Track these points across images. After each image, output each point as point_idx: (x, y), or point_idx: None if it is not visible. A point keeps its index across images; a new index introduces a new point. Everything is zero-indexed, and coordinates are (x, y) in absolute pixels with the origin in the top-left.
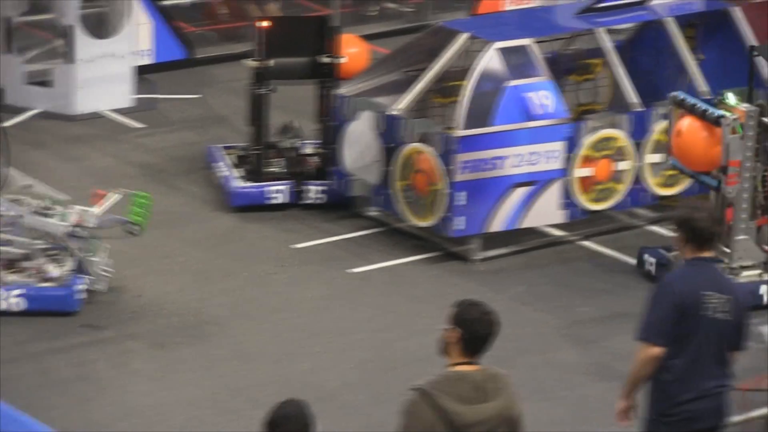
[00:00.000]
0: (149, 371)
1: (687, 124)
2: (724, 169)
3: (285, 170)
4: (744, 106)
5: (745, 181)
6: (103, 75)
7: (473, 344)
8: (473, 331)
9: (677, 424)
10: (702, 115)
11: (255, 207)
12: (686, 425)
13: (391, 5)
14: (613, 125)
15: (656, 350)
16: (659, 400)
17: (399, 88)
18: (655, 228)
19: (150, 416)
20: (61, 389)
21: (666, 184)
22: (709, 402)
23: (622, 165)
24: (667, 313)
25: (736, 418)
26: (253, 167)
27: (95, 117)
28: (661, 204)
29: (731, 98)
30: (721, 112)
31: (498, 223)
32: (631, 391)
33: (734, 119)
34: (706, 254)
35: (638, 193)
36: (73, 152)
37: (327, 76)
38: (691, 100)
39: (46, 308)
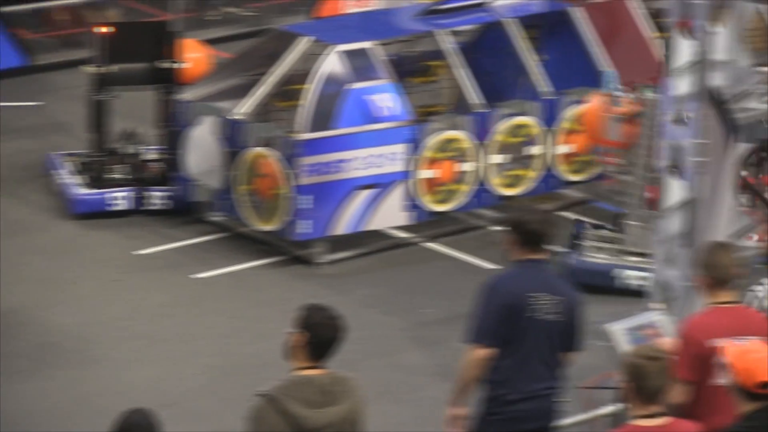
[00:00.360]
0: None
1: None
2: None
3: (128, 176)
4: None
5: (638, 168)
6: None
7: (319, 348)
8: (319, 335)
9: (504, 424)
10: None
11: (97, 214)
12: (512, 425)
13: (232, 9)
14: (455, 127)
15: (484, 352)
16: (487, 399)
17: (241, 92)
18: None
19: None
20: None
21: (510, 185)
22: (536, 403)
23: (466, 166)
24: (495, 314)
25: (581, 417)
26: (96, 174)
27: None
28: (504, 204)
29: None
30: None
31: (342, 226)
32: (459, 395)
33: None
34: (537, 256)
35: (482, 194)
36: None
37: (168, 81)
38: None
39: None
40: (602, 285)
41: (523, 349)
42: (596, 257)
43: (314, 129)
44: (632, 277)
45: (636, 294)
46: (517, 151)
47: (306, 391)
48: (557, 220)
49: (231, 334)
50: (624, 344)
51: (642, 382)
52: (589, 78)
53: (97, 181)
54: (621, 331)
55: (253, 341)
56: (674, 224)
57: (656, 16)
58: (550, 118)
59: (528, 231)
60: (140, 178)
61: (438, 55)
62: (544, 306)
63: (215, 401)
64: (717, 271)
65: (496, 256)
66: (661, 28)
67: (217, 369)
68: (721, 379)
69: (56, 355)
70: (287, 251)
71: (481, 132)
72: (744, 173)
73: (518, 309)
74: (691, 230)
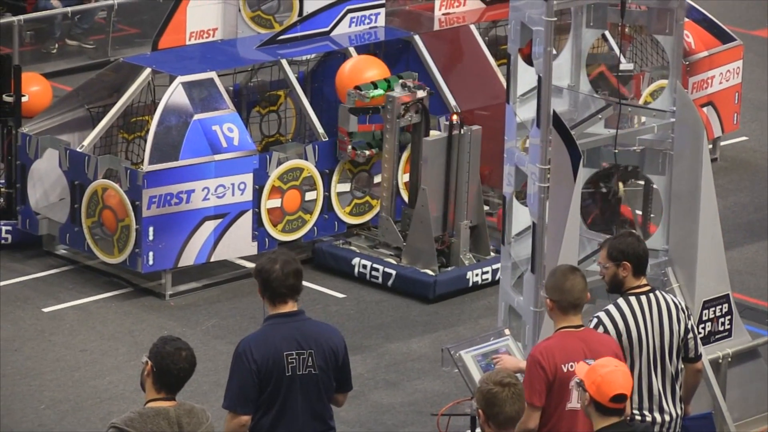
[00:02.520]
0: None
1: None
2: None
3: None
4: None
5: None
6: None
7: (166, 379)
8: (165, 366)
9: None
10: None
11: None
12: None
13: (71, 42)
14: (299, 156)
15: (243, 419)
16: None
17: (83, 125)
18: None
19: None
20: None
21: (355, 213)
22: None
23: (310, 195)
24: (247, 381)
25: None
26: None
27: None
28: (350, 232)
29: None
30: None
31: (189, 257)
32: None
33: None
34: (287, 309)
35: (328, 222)
36: None
37: (9, 115)
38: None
39: None
40: (342, 270)
41: (281, 406)
42: (345, 245)
43: (159, 160)
44: (368, 267)
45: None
46: (363, 179)
47: (155, 423)
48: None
49: (77, 368)
50: (475, 371)
51: (494, 408)
52: (432, 105)
53: None
54: (472, 358)
55: (102, 374)
56: (522, 250)
57: (499, 43)
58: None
59: (269, 281)
60: None
61: (282, 84)
62: (295, 364)
63: None
64: (568, 295)
65: (344, 285)
66: (503, 55)
67: (65, 403)
68: (575, 403)
69: None
70: (134, 283)
71: (325, 161)
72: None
73: (272, 372)
74: (535, 255)
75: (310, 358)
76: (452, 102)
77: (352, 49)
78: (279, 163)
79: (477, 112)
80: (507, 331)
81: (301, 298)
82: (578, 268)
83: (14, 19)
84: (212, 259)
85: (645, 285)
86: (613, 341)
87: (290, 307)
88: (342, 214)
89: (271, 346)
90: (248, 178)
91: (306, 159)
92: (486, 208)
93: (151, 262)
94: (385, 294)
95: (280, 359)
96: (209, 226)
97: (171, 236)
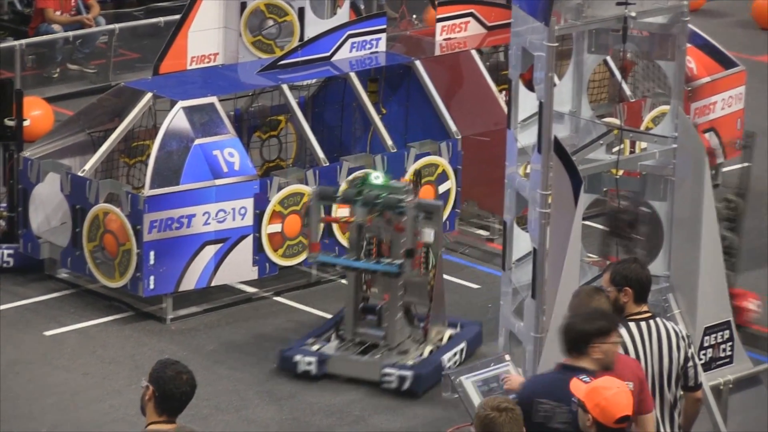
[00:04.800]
0: None
1: None
2: (410, 253)
3: None
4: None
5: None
6: None
7: (168, 403)
8: (166, 390)
9: None
10: (382, 213)
11: None
12: None
13: (73, 67)
14: (300, 181)
15: None
16: None
17: (85, 149)
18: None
19: None
20: None
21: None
22: None
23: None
24: None
25: None
26: None
27: None
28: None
29: (376, 177)
30: (398, 198)
31: (190, 281)
32: None
33: (414, 204)
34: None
35: (328, 246)
36: None
37: (11, 139)
38: (346, 192)
39: None
40: None
41: None
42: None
43: (160, 185)
44: None
45: None
46: None
47: None
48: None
49: (79, 392)
50: (475, 396)
51: None
52: (433, 131)
53: None
54: (472, 383)
55: (103, 398)
56: (523, 275)
57: (500, 68)
58: (395, 170)
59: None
60: None
61: (283, 109)
62: None
63: None
64: None
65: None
66: (505, 80)
67: (65, 426)
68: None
69: None
70: (135, 307)
71: (325, 185)
72: None
73: None
74: (536, 281)
75: None
76: (453, 127)
77: (353, 75)
78: (280, 188)
79: (477, 138)
80: (507, 357)
81: None
82: (601, 289)
83: (16, 43)
84: (213, 284)
85: (646, 312)
86: (636, 364)
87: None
88: (343, 239)
89: None
90: (249, 202)
91: (307, 184)
92: (486, 233)
93: (152, 287)
94: None
95: None
96: (210, 251)
97: (172, 260)
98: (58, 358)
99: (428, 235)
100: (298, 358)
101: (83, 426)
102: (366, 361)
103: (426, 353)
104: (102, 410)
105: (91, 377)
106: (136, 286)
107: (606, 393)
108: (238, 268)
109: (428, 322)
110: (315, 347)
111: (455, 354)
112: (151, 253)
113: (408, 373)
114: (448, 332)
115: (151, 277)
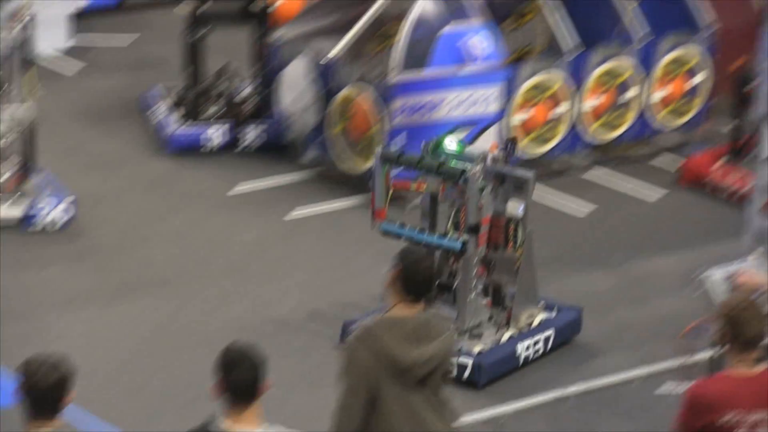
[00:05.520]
0: (91, 310)
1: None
2: (475, 228)
3: (222, 113)
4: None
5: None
6: (38, 19)
7: (413, 287)
8: (413, 273)
9: None
10: (439, 174)
11: (192, 150)
12: None
13: None
14: (550, 70)
15: None
16: None
17: (334, 32)
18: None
19: (92, 350)
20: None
21: (604, 130)
22: None
23: (560, 109)
24: None
25: (678, 363)
26: (190, 111)
27: None
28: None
29: (450, 143)
30: (462, 166)
31: None
32: None
33: (479, 174)
34: None
35: (576, 138)
36: None
37: (262, 20)
38: (409, 155)
39: None
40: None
41: None
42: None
43: (407, 70)
44: None
45: None
46: (612, 96)
47: (398, 328)
48: None
49: (321, 273)
50: (720, 292)
51: (739, 329)
52: (686, 23)
53: (192, 117)
54: (717, 279)
55: (343, 280)
56: None
57: None
58: (646, 62)
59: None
60: (234, 115)
61: None
62: None
63: (306, 336)
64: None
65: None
66: None
67: (307, 305)
68: None
69: (149, 288)
70: None
71: (576, 75)
72: None
73: None
74: None
75: None
76: (705, 19)
77: None
78: (528, 77)
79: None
80: (754, 253)
81: (540, 216)
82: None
83: None
84: None
85: None
86: None
87: None
88: (589, 129)
89: None
90: (496, 90)
91: (556, 73)
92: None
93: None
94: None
95: None
96: None
97: (417, 146)
98: (299, 240)
99: (516, 208)
100: None
101: (322, 307)
102: None
103: (504, 339)
104: (346, 291)
105: (331, 259)
106: None
107: None
108: None
109: (512, 304)
110: None
111: (536, 343)
112: (397, 139)
113: (468, 361)
114: (541, 316)
115: None
